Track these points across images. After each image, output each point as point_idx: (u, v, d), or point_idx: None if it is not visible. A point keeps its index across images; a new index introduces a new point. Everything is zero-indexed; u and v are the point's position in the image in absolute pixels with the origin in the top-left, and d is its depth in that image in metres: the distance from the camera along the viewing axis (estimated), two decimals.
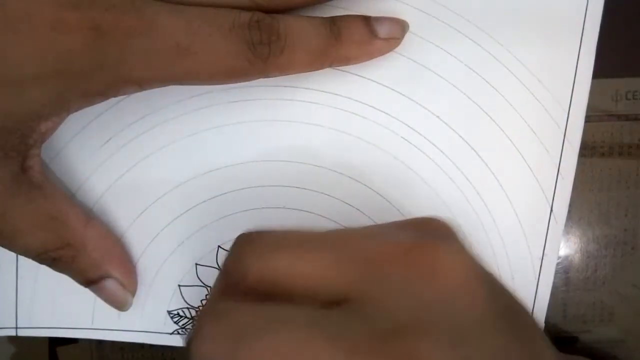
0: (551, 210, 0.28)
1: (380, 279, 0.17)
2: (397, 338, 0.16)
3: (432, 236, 0.18)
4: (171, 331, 0.29)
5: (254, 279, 0.18)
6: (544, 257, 0.28)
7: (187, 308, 0.29)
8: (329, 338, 0.16)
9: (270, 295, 0.17)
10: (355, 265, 0.18)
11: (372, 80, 0.27)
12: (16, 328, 0.30)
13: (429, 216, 0.19)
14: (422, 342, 0.15)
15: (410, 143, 0.27)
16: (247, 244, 0.19)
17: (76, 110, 0.24)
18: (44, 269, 0.26)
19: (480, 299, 0.17)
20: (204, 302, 0.29)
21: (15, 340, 0.31)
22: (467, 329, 0.16)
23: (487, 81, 0.27)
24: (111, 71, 0.22)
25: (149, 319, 0.29)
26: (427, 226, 0.19)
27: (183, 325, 0.29)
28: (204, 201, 0.28)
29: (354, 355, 0.15)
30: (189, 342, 0.17)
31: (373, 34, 0.25)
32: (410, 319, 0.16)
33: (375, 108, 0.27)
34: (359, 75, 0.27)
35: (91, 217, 0.27)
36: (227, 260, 0.19)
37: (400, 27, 0.25)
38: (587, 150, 0.29)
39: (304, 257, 0.18)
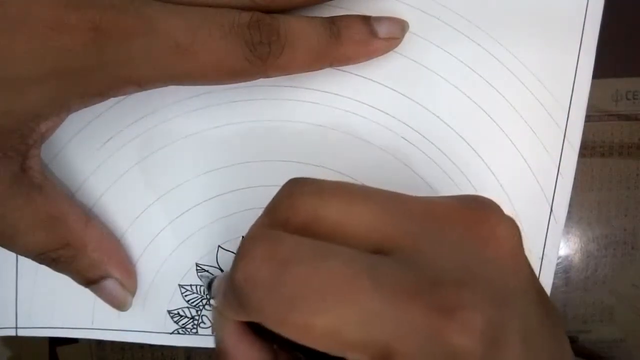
0: (551, 210, 0.28)
1: (434, 233, 0.18)
2: (442, 288, 0.16)
3: (488, 206, 0.19)
4: (171, 331, 0.29)
5: (302, 219, 0.18)
6: (544, 257, 0.28)
7: (187, 308, 0.29)
8: (374, 280, 0.16)
9: (316, 237, 0.18)
10: (409, 218, 0.18)
11: (372, 80, 0.27)
12: (16, 328, 0.30)
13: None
14: (465, 295, 0.16)
15: (410, 143, 0.27)
16: (299, 185, 0.19)
17: (76, 110, 0.24)
18: (44, 269, 0.26)
19: (525, 273, 0.18)
20: (204, 301, 0.29)
21: (15, 340, 0.31)
22: (509, 295, 0.17)
23: (487, 81, 0.27)
24: (111, 71, 0.22)
25: (149, 319, 0.29)
26: (480, 198, 0.19)
27: (183, 325, 0.29)
28: (204, 201, 0.28)
29: (396, 301, 0.16)
30: (235, 262, 0.17)
31: (373, 33, 0.25)
32: (458, 273, 0.16)
33: (375, 108, 0.27)
34: (359, 75, 0.27)
35: (91, 217, 0.27)
36: (276, 199, 0.20)
37: (400, 27, 0.25)
38: (587, 150, 0.29)
39: (356, 204, 0.18)
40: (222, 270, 0.29)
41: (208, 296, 0.25)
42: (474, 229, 0.18)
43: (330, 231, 0.18)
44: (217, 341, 0.21)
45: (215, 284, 0.23)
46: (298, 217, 0.18)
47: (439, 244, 0.17)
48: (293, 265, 0.16)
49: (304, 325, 0.16)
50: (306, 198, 0.19)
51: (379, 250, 0.17)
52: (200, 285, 0.29)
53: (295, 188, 0.19)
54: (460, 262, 0.17)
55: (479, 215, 0.18)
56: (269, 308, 0.17)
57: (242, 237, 0.28)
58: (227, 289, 0.19)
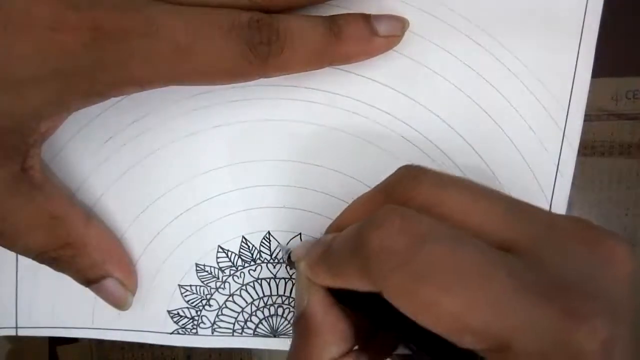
0: (550, 208, 0.28)
1: (557, 243, 0.18)
2: (573, 295, 0.16)
3: (606, 229, 0.19)
4: (171, 331, 0.29)
5: (423, 202, 0.19)
6: None
7: (187, 308, 0.29)
8: (509, 273, 0.16)
9: None
10: (534, 224, 0.18)
11: (372, 79, 0.27)
12: (16, 328, 0.30)
13: None
14: (594, 305, 0.16)
15: (410, 142, 0.27)
16: (423, 170, 0.20)
17: (76, 110, 0.24)
18: (44, 269, 0.26)
19: (638, 297, 0.18)
20: (203, 301, 0.29)
21: (15, 339, 0.31)
22: (626, 314, 0.17)
23: (486, 80, 0.27)
24: (111, 72, 0.22)
25: (149, 319, 0.29)
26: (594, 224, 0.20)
27: (183, 325, 0.29)
28: (204, 201, 0.28)
29: (529, 297, 0.16)
30: (367, 230, 0.18)
31: (373, 31, 0.25)
32: (584, 285, 0.17)
33: (375, 107, 0.27)
34: (359, 75, 0.27)
35: (91, 216, 0.27)
36: (395, 179, 0.20)
37: (400, 25, 0.25)
38: (588, 149, 0.29)
39: (482, 200, 0.19)
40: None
41: (287, 265, 0.26)
42: (596, 247, 0.18)
43: (454, 220, 0.18)
44: (303, 306, 0.21)
45: (299, 249, 0.23)
46: (419, 199, 0.19)
47: (561, 254, 0.18)
48: (430, 243, 0.17)
49: (430, 302, 0.16)
50: (430, 183, 0.19)
51: (501, 248, 0.18)
52: (200, 286, 0.29)
53: (419, 172, 0.20)
54: (584, 275, 0.17)
55: (601, 236, 0.19)
56: (398, 279, 0.17)
57: (242, 236, 0.29)
58: (324, 255, 0.20)
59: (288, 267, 0.29)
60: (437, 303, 0.16)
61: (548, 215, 0.19)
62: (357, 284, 0.19)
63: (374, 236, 0.18)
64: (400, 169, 0.21)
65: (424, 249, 0.17)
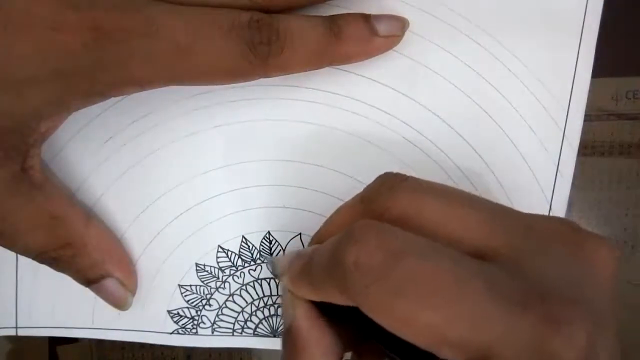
0: (550, 208, 0.28)
1: (538, 248, 0.18)
2: (551, 301, 0.16)
3: (587, 230, 0.19)
4: (171, 331, 0.29)
5: (400, 213, 0.19)
6: None
7: (187, 308, 0.29)
8: (486, 283, 0.16)
9: (414, 233, 0.18)
10: (513, 229, 0.18)
11: (372, 79, 0.27)
12: (16, 328, 0.30)
13: None
14: (572, 311, 0.16)
15: (410, 142, 0.27)
16: (399, 179, 0.20)
17: (76, 110, 0.24)
18: (44, 269, 0.26)
19: (617, 298, 0.18)
20: (203, 301, 0.29)
21: (15, 339, 0.31)
22: (607, 317, 0.17)
23: (486, 80, 0.27)
24: (111, 72, 0.22)
25: (149, 319, 0.29)
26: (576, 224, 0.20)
27: (183, 325, 0.29)
28: (204, 201, 0.28)
29: (507, 307, 0.16)
30: (343, 245, 0.18)
31: (373, 31, 0.25)
32: (564, 290, 0.17)
33: (375, 107, 0.27)
34: (359, 75, 0.27)
35: (91, 216, 0.27)
36: (373, 189, 0.21)
37: (400, 25, 0.25)
38: (588, 149, 0.29)
39: (459, 207, 0.19)
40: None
41: (274, 277, 0.25)
42: (577, 249, 0.18)
43: (430, 229, 0.18)
44: (289, 320, 0.21)
45: (282, 262, 0.23)
46: (396, 210, 0.19)
47: (542, 259, 0.18)
48: (405, 258, 0.17)
49: (408, 317, 0.16)
50: (407, 193, 0.19)
51: (478, 256, 0.18)
52: (200, 286, 0.29)
53: (396, 181, 0.20)
54: (564, 279, 0.17)
55: (582, 237, 0.18)
56: (375, 295, 0.17)
57: (242, 236, 0.29)
58: (305, 268, 0.20)
59: (276, 279, 0.29)
60: (414, 318, 0.16)
61: (528, 218, 0.19)
62: (337, 298, 0.19)
63: (350, 252, 0.17)
64: (378, 178, 0.21)
65: (399, 264, 0.17)
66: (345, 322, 0.21)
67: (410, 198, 0.19)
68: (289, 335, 0.21)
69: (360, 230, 0.18)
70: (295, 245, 0.29)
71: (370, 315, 0.17)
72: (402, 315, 0.16)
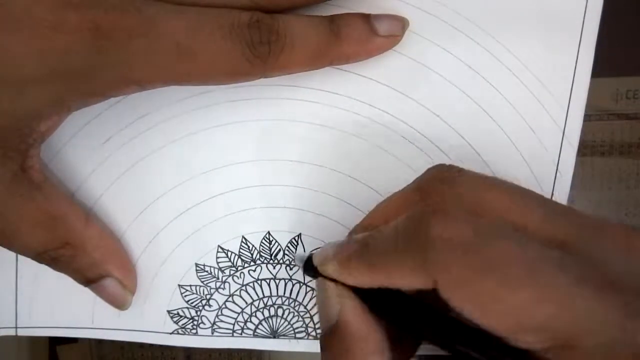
0: None
1: (604, 241, 0.18)
2: (626, 291, 0.16)
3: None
4: (171, 331, 0.29)
5: (461, 205, 0.19)
6: None
7: (187, 308, 0.29)
8: (559, 265, 0.16)
9: None
10: (577, 223, 0.18)
11: (372, 79, 0.27)
12: (16, 328, 0.30)
13: None
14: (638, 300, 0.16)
15: (410, 142, 0.27)
16: (456, 172, 0.20)
17: (76, 110, 0.24)
18: (44, 269, 0.26)
19: None
20: (203, 301, 0.29)
21: (15, 339, 0.31)
22: None
23: (486, 80, 0.27)
24: (111, 72, 0.22)
25: (149, 319, 0.29)
26: None
27: (183, 325, 0.29)
28: (204, 201, 0.28)
29: (590, 289, 0.16)
30: (423, 218, 0.17)
31: (373, 31, 0.25)
32: (627, 278, 0.17)
33: (375, 107, 0.27)
34: (359, 74, 0.27)
35: (91, 216, 0.27)
36: (427, 181, 0.20)
37: (400, 25, 0.25)
38: (588, 149, 0.29)
39: (518, 198, 0.19)
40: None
41: (305, 273, 0.24)
42: (633, 243, 0.18)
43: (498, 220, 0.18)
44: (334, 315, 0.20)
45: (322, 252, 0.21)
46: (456, 202, 0.19)
47: (608, 252, 0.17)
48: (494, 238, 0.17)
49: (494, 296, 0.16)
50: (467, 185, 0.19)
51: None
52: (200, 286, 0.29)
53: (453, 173, 0.20)
54: (631, 272, 0.17)
55: (634, 232, 0.18)
56: (460, 270, 0.16)
57: (242, 236, 0.29)
58: (360, 252, 0.19)
59: (305, 275, 0.28)
60: (501, 298, 0.16)
61: (587, 215, 0.19)
62: (405, 278, 0.18)
63: (437, 224, 0.17)
64: (431, 169, 0.21)
65: (491, 242, 0.16)
66: (388, 318, 0.20)
67: (470, 190, 0.19)
68: (335, 333, 0.20)
69: (442, 206, 0.18)
70: (295, 245, 0.29)
71: (449, 293, 0.17)
72: (487, 295, 0.16)
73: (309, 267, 0.22)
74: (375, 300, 0.20)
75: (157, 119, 0.28)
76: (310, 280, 0.29)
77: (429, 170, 0.21)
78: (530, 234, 0.18)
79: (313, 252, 0.22)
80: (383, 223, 0.20)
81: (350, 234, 0.24)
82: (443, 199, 0.19)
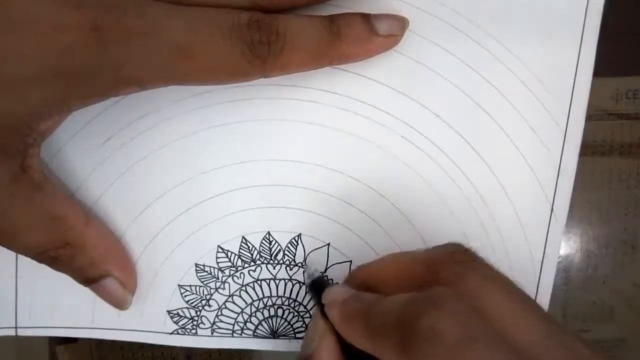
0: (552, 209, 0.27)
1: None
2: None
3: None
4: (171, 331, 0.29)
5: (463, 293, 0.19)
6: (545, 256, 0.28)
7: (187, 308, 0.29)
8: None
9: None
10: (564, 346, 0.18)
11: (371, 79, 0.27)
12: (16, 328, 0.30)
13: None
14: None
15: (410, 142, 0.27)
16: (470, 259, 0.20)
17: (76, 110, 0.24)
18: (44, 269, 0.26)
19: None
20: (203, 302, 0.29)
21: (15, 339, 0.31)
22: None
23: (487, 80, 0.27)
24: (112, 71, 0.22)
25: (149, 319, 0.29)
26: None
27: (183, 325, 0.29)
28: (204, 201, 0.28)
29: None
30: (417, 307, 0.18)
31: (372, 31, 0.24)
32: None
33: (375, 107, 0.27)
34: (359, 74, 0.27)
35: (91, 216, 0.27)
36: (439, 258, 0.21)
37: (400, 24, 0.25)
38: (588, 149, 0.29)
39: (517, 304, 0.19)
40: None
41: (307, 290, 0.24)
42: None
43: (487, 318, 0.18)
44: (311, 348, 0.21)
45: (333, 293, 0.22)
46: (462, 289, 0.19)
47: None
48: (477, 344, 0.16)
49: None
50: (478, 277, 0.19)
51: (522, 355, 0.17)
52: (200, 286, 0.29)
53: (467, 259, 0.20)
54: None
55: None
56: None
57: (242, 236, 0.29)
58: (363, 313, 0.20)
59: (307, 292, 0.28)
60: None
61: (589, 346, 0.19)
62: (388, 354, 0.18)
63: (428, 316, 0.17)
64: (447, 246, 0.21)
65: (471, 347, 0.16)
66: None
67: (479, 283, 0.19)
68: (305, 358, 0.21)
69: (443, 299, 0.18)
70: (295, 245, 0.29)
71: None
72: None
73: (314, 288, 0.23)
74: (356, 354, 0.20)
75: (157, 119, 0.28)
76: None
77: (445, 245, 0.21)
78: (513, 339, 0.17)
79: (322, 274, 0.23)
80: (385, 282, 0.20)
81: (350, 276, 0.24)
82: (447, 283, 0.19)
